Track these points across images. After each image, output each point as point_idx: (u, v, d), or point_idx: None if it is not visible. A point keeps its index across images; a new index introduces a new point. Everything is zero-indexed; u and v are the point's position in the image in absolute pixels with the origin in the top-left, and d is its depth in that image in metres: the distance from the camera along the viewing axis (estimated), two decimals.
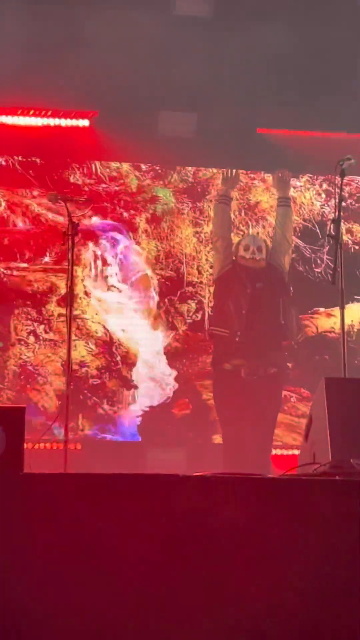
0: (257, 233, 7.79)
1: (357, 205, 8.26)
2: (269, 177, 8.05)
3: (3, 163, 7.92)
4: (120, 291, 7.87)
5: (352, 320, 7.93)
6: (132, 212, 8.01)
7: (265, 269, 6.28)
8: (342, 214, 4.99)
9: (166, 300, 7.91)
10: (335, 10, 6.77)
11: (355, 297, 7.92)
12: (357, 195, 8.30)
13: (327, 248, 7.99)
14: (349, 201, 8.15)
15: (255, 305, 6.07)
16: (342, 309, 4.88)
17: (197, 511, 2.43)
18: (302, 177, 8.21)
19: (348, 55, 7.14)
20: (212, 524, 2.41)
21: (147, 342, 7.82)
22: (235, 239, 6.65)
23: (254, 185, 8.20)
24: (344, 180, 7.21)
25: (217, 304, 6.37)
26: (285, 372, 6.48)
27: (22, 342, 7.65)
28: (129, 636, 2.28)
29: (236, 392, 6.04)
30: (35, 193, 7.89)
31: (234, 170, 6.56)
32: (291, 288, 6.59)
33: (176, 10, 6.91)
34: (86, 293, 7.79)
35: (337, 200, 4.95)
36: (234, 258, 6.35)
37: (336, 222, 4.91)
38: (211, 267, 7.96)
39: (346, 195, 8.03)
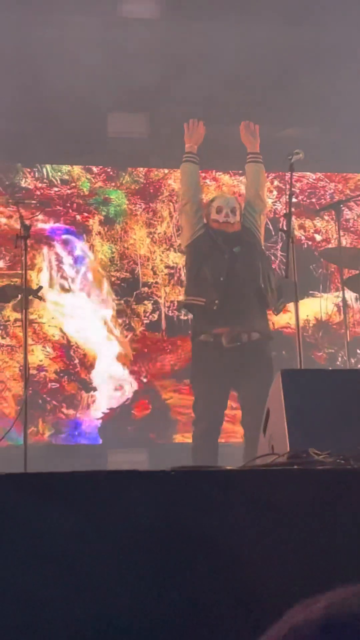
0: None
1: (308, 201, 8.33)
2: (220, 176, 8.10)
3: None
4: (75, 294, 7.86)
5: (307, 315, 7.99)
6: (85, 214, 8.01)
7: (241, 232, 5.79)
8: (294, 209, 5.04)
9: (122, 301, 7.91)
10: (282, 8, 6.81)
11: (310, 291, 7.98)
12: (309, 191, 8.36)
13: (280, 244, 8.04)
14: (300, 197, 8.21)
15: (234, 271, 5.60)
16: (297, 302, 4.93)
17: (158, 506, 2.44)
18: None
19: (298, 51, 7.19)
20: (171, 518, 2.41)
21: (104, 344, 7.82)
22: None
23: (206, 184, 8.23)
24: (296, 177, 7.28)
25: (192, 272, 5.80)
26: (271, 341, 5.81)
27: None
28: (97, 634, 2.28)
29: (220, 364, 5.54)
30: None
31: (198, 122, 6.07)
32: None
33: (120, 12, 6.91)
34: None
35: (288, 195, 4.99)
36: (205, 221, 5.84)
37: (287, 216, 4.95)
38: (166, 267, 7.98)
39: (297, 191, 8.09)
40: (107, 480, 2.53)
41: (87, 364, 7.76)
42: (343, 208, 7.11)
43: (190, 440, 7.67)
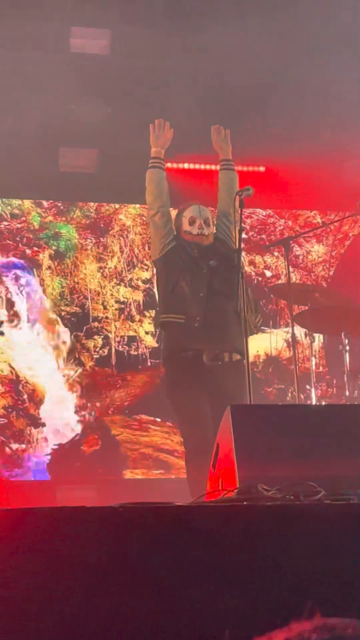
0: None
1: (258, 237, 8.38)
2: (171, 212, 8.12)
3: None
4: (25, 328, 7.81)
5: (257, 350, 8.01)
6: (35, 248, 7.98)
7: (216, 244, 5.41)
8: (244, 245, 5.05)
9: (72, 336, 7.87)
10: (224, 44, 6.87)
11: (261, 327, 8.00)
12: (259, 227, 8.42)
13: None
14: (250, 233, 8.26)
15: (213, 286, 5.24)
16: (246, 337, 4.94)
17: (105, 542, 2.41)
18: None
19: (240, 87, 7.27)
20: (119, 554, 2.39)
21: (54, 379, 7.77)
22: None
23: None
24: (247, 213, 7.31)
25: (167, 287, 5.33)
26: (247, 362, 5.19)
27: None
28: None
29: (199, 380, 5.13)
30: None
31: (164, 123, 5.64)
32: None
33: (71, 48, 6.94)
34: None
35: (237, 231, 5.01)
36: (175, 233, 5.42)
37: (237, 252, 4.97)
38: (117, 302, 7.97)
39: (248, 227, 8.14)
40: (54, 516, 2.50)
41: (36, 399, 7.69)
42: (292, 244, 7.16)
43: (139, 476, 7.65)
